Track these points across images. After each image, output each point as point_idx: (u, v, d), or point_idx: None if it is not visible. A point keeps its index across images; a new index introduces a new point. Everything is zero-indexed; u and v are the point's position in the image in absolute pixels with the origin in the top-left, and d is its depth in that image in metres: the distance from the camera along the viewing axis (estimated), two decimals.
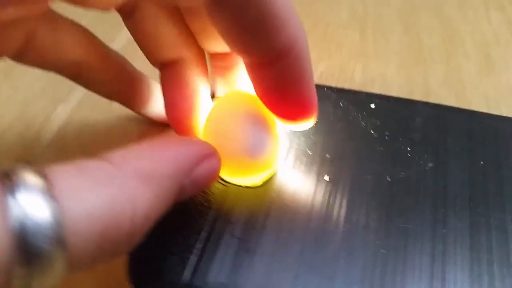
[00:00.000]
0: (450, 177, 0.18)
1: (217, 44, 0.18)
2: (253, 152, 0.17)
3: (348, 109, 0.21)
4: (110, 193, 0.12)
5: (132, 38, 0.20)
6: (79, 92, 0.28)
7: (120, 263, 0.16)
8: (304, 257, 0.16)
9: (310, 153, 0.19)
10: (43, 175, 0.11)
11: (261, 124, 0.17)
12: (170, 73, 0.19)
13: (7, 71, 0.29)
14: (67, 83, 0.21)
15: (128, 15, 0.19)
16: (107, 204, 0.12)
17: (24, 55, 0.18)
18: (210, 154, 0.15)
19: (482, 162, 0.19)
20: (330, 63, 0.29)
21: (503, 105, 0.26)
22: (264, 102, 0.17)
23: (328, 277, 0.15)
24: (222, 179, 0.18)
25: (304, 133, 0.20)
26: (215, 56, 0.19)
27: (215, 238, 0.17)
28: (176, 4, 0.18)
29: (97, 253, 0.12)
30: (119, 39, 0.32)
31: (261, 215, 0.17)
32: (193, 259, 0.16)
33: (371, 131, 0.20)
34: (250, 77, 0.16)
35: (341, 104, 0.21)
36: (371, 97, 0.22)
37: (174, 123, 0.19)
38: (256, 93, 0.17)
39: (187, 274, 0.16)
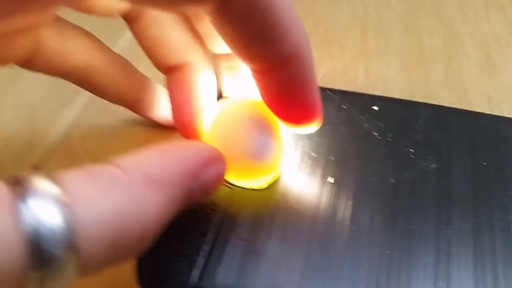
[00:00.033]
0: (454, 178, 0.19)
1: (225, 45, 0.18)
2: (258, 156, 0.17)
3: (351, 111, 0.21)
4: (120, 198, 0.12)
5: (134, 42, 0.20)
6: (85, 96, 0.28)
7: (128, 266, 0.17)
8: (310, 258, 0.16)
9: (314, 156, 0.20)
10: (54, 181, 0.11)
11: (265, 128, 0.17)
12: (176, 78, 0.20)
13: (13, 77, 0.29)
14: (73, 87, 0.22)
15: (133, 20, 0.19)
16: (118, 209, 0.12)
17: (31, 61, 0.19)
18: (216, 158, 0.16)
19: (484, 163, 0.19)
20: (332, 65, 0.30)
21: (505, 105, 0.26)
22: (269, 107, 0.17)
23: (334, 278, 0.16)
24: (228, 182, 0.19)
25: (308, 136, 0.20)
26: (222, 56, 0.19)
27: (222, 240, 0.17)
28: (181, 12, 0.18)
29: (108, 257, 0.12)
30: (121, 43, 0.32)
31: (267, 217, 0.18)
32: (200, 261, 0.16)
33: (374, 133, 0.20)
34: (255, 82, 0.17)
35: (344, 107, 0.22)
36: (374, 99, 0.22)
37: (180, 127, 0.20)
38: (262, 98, 0.17)
39: (194, 276, 0.16)
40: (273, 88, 0.16)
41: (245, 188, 0.19)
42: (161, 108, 0.24)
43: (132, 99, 0.23)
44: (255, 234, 0.17)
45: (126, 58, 0.23)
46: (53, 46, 0.19)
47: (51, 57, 0.19)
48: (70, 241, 0.11)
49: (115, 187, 0.12)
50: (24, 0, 0.13)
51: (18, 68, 0.19)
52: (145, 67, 0.23)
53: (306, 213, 0.18)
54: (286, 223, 0.17)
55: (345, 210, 0.18)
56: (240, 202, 0.18)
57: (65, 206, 0.11)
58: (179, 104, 0.19)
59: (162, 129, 0.26)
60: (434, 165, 0.19)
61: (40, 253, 0.10)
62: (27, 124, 0.27)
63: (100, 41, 0.21)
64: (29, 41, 0.18)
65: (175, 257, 0.16)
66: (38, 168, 0.25)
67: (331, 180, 0.19)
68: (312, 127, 0.17)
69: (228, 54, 0.19)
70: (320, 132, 0.19)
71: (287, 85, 0.16)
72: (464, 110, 0.22)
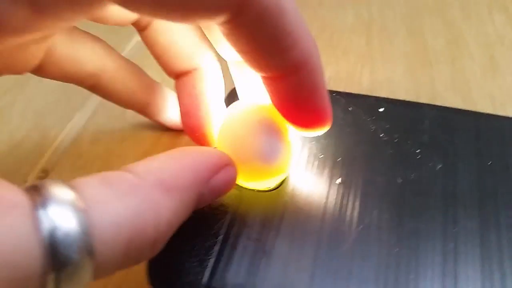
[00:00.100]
0: (459, 177, 0.19)
1: (235, 53, 0.18)
2: (267, 158, 0.17)
3: (357, 113, 0.22)
4: (135, 203, 0.13)
5: (140, 48, 0.20)
6: (94, 101, 0.29)
7: (139, 266, 0.17)
8: (319, 258, 0.16)
9: (322, 157, 0.20)
10: (70, 187, 0.12)
11: (274, 131, 0.18)
12: (185, 82, 0.20)
13: (22, 83, 0.30)
14: (82, 93, 0.22)
15: (143, 28, 0.19)
16: (133, 214, 0.12)
17: (44, 68, 0.19)
18: (227, 163, 0.16)
19: (490, 162, 0.19)
20: (337, 68, 0.30)
21: (509, 105, 0.27)
22: (280, 112, 0.17)
23: (343, 277, 0.16)
24: (237, 184, 0.19)
25: (315, 138, 0.21)
26: (233, 63, 0.19)
27: (232, 241, 0.17)
28: (194, 23, 0.18)
29: (122, 260, 0.12)
30: (128, 50, 0.32)
31: (276, 218, 0.18)
32: (211, 261, 0.17)
33: (381, 135, 0.21)
34: (266, 89, 0.17)
35: (350, 109, 0.22)
36: (380, 101, 0.22)
37: (189, 131, 0.20)
38: (272, 103, 0.17)
39: (205, 276, 0.16)
40: (283, 95, 0.16)
41: (253, 190, 0.19)
42: (170, 112, 0.25)
43: (142, 103, 0.23)
44: (264, 235, 0.17)
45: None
46: (65, 52, 0.19)
47: (63, 63, 0.19)
48: (86, 245, 0.11)
49: (129, 192, 0.13)
50: (45, 16, 0.13)
51: (27, 74, 0.19)
52: (152, 73, 0.24)
53: (314, 214, 0.18)
54: (294, 223, 0.18)
55: (353, 210, 0.18)
56: (249, 203, 0.18)
57: (81, 210, 0.11)
58: (188, 107, 0.20)
59: (170, 133, 0.26)
60: (440, 165, 0.19)
61: (57, 257, 0.11)
62: (37, 129, 0.27)
63: (110, 47, 0.21)
64: (43, 49, 0.18)
65: (185, 258, 0.17)
66: (48, 172, 0.25)
67: (338, 181, 0.19)
68: (322, 131, 0.18)
69: (239, 61, 0.19)
70: (327, 134, 0.20)
71: (297, 92, 0.16)
72: (469, 111, 0.22)
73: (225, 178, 0.16)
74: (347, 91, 0.23)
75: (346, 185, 0.19)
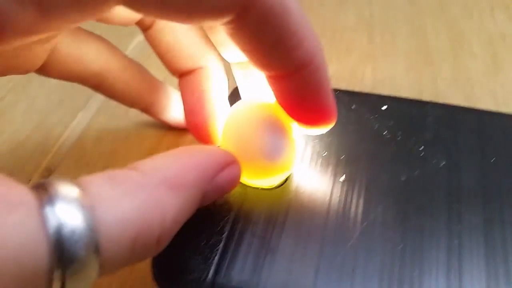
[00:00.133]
0: (463, 174, 0.19)
1: (238, 54, 0.18)
2: (271, 155, 0.17)
3: (361, 112, 0.22)
4: (140, 200, 0.13)
5: (143, 48, 0.20)
6: (97, 100, 0.29)
7: (144, 263, 0.17)
8: (323, 255, 0.16)
9: (325, 155, 0.20)
10: (77, 185, 0.12)
11: (278, 129, 0.18)
12: (189, 80, 0.20)
13: (25, 83, 0.30)
14: (85, 93, 0.22)
15: (147, 27, 0.19)
16: (138, 211, 0.12)
17: (48, 67, 0.19)
18: (231, 162, 0.16)
19: (493, 159, 0.19)
20: (340, 66, 0.30)
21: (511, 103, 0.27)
22: (285, 110, 0.17)
23: (348, 273, 0.16)
24: (241, 182, 0.19)
25: (318, 136, 0.21)
26: (236, 65, 0.19)
27: (237, 238, 0.17)
28: (199, 24, 0.18)
29: (128, 257, 0.12)
30: (130, 49, 0.32)
31: (280, 215, 0.18)
32: (215, 258, 0.17)
33: (384, 132, 0.21)
34: (271, 88, 0.17)
35: (353, 107, 0.22)
36: (383, 99, 0.22)
37: (193, 129, 0.20)
38: (277, 101, 0.17)
39: (209, 272, 0.16)
40: (288, 93, 0.16)
41: (257, 187, 0.19)
42: (174, 110, 0.25)
43: (146, 102, 0.24)
44: (269, 232, 0.17)
45: None
46: (69, 52, 0.19)
47: (67, 63, 0.19)
48: (93, 242, 0.11)
49: (135, 190, 0.13)
50: (52, 18, 0.13)
51: (30, 74, 0.19)
52: (153, 73, 0.24)
53: (318, 211, 0.18)
54: (299, 220, 0.18)
55: (357, 207, 0.18)
56: (253, 201, 0.19)
57: (87, 208, 0.11)
58: (192, 106, 0.20)
59: (174, 132, 0.26)
60: (443, 162, 0.19)
61: (63, 254, 0.11)
62: (40, 129, 0.27)
63: (114, 46, 0.21)
64: (48, 49, 0.18)
65: (190, 254, 0.17)
66: (51, 171, 0.25)
67: (342, 178, 0.19)
68: (327, 128, 0.18)
69: (242, 63, 0.19)
70: (330, 132, 0.20)
71: (302, 90, 0.16)
72: (471, 108, 0.22)
73: (229, 176, 0.16)
74: (349, 89, 0.23)
75: (350, 182, 0.19)
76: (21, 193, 0.11)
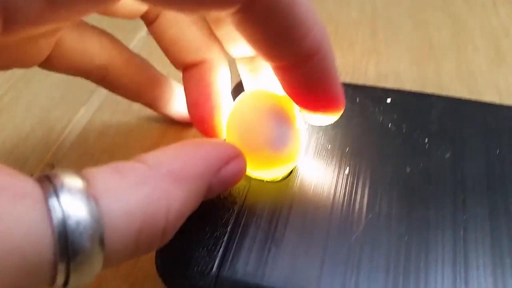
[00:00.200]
0: (468, 165, 0.19)
1: (243, 49, 0.18)
2: (277, 145, 0.17)
3: (365, 105, 0.22)
4: (146, 192, 0.13)
5: (145, 43, 0.20)
6: (100, 95, 0.29)
7: (148, 256, 0.17)
8: (328, 247, 0.16)
9: (330, 148, 0.20)
10: (82, 177, 0.12)
11: (283, 119, 0.18)
12: (193, 75, 0.20)
13: (27, 78, 0.30)
14: (88, 87, 0.22)
15: (151, 20, 0.19)
16: (144, 203, 0.12)
17: (52, 61, 0.19)
18: (236, 155, 0.16)
19: (498, 151, 0.19)
20: (343, 60, 0.30)
21: None
22: (293, 99, 0.17)
23: (353, 266, 0.16)
24: (246, 175, 0.19)
25: (323, 129, 0.21)
26: (241, 59, 0.19)
27: (241, 231, 0.17)
28: (205, 15, 0.18)
29: (132, 249, 0.12)
30: (133, 45, 0.32)
31: (285, 207, 0.18)
32: (220, 251, 0.17)
33: (389, 125, 0.21)
34: (278, 78, 0.17)
35: (357, 100, 0.22)
36: (387, 92, 0.22)
37: (197, 122, 0.20)
38: (285, 91, 0.17)
39: (214, 265, 0.16)
40: (296, 83, 0.16)
41: (261, 180, 0.19)
42: (177, 104, 0.25)
43: (149, 96, 0.23)
44: (273, 224, 0.17)
45: None
46: (73, 45, 0.19)
47: (71, 57, 0.19)
48: (97, 233, 0.11)
49: (140, 182, 0.13)
50: (59, 8, 0.13)
51: (32, 69, 0.19)
52: (157, 66, 0.24)
53: (323, 203, 0.18)
54: (304, 213, 0.18)
55: (362, 199, 0.18)
56: (257, 194, 0.19)
57: (92, 199, 0.11)
58: (196, 99, 0.20)
59: (177, 126, 0.26)
60: (448, 154, 0.19)
61: (68, 245, 0.11)
62: (42, 124, 0.27)
63: (118, 40, 0.21)
64: (52, 43, 0.18)
65: (194, 247, 0.17)
66: (54, 166, 0.25)
67: (347, 171, 0.19)
68: (336, 115, 0.18)
69: (246, 57, 0.19)
70: (335, 125, 0.20)
71: (310, 79, 0.16)
72: (475, 100, 0.22)
73: (234, 169, 0.16)
74: (353, 82, 0.23)
75: (355, 175, 0.19)
76: (26, 185, 0.11)
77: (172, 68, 0.21)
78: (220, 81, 0.20)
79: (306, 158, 0.20)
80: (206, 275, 0.16)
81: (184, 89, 0.20)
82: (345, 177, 0.19)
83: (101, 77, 0.21)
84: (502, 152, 0.19)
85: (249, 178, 0.19)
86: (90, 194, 0.11)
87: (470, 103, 0.22)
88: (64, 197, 0.11)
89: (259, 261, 0.16)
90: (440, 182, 0.18)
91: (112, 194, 0.12)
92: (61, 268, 0.11)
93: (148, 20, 0.19)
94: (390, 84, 0.28)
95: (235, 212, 0.18)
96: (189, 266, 0.16)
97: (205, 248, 0.17)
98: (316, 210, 0.18)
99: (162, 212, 0.13)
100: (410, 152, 0.19)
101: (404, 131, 0.20)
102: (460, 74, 0.28)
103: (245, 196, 0.18)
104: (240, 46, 0.18)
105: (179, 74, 0.21)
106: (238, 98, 0.19)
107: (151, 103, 0.24)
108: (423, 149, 0.20)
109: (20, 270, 0.10)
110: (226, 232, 0.17)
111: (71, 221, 0.11)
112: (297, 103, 0.17)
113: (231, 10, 0.14)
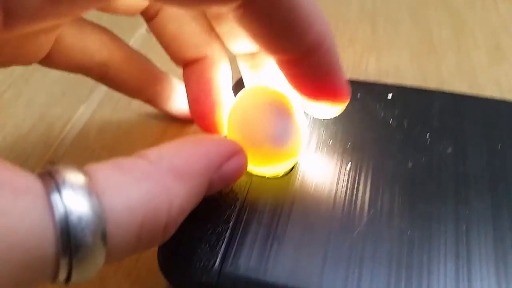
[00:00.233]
0: (470, 160, 0.19)
1: (244, 45, 0.18)
2: (278, 141, 0.17)
3: (366, 100, 0.22)
4: (148, 188, 0.13)
5: (145, 40, 0.20)
6: (100, 92, 0.28)
7: (150, 252, 0.17)
8: (330, 242, 0.16)
9: (331, 144, 0.20)
10: (84, 173, 0.12)
11: (284, 115, 0.18)
12: (193, 71, 0.20)
13: (27, 76, 0.30)
14: (88, 85, 0.22)
15: (151, 16, 0.19)
16: (146, 198, 0.12)
17: (52, 58, 0.19)
18: (237, 152, 0.16)
19: (499, 146, 0.19)
20: (344, 57, 0.30)
21: None
22: (298, 92, 0.17)
23: (355, 261, 0.16)
24: (247, 171, 0.19)
25: (324, 125, 0.21)
26: (242, 56, 0.19)
27: (243, 226, 0.17)
28: (207, 10, 0.18)
29: (134, 244, 0.12)
30: (132, 42, 0.32)
31: (286, 203, 0.18)
32: (222, 246, 0.17)
33: (390, 121, 0.21)
34: (282, 72, 0.17)
35: (358, 96, 0.22)
36: (388, 87, 0.22)
37: (198, 118, 0.20)
38: (290, 84, 0.17)
39: (216, 261, 0.16)
40: (300, 76, 0.16)
41: (263, 176, 0.19)
42: (177, 101, 0.25)
43: (150, 93, 0.23)
44: (275, 220, 0.17)
45: None
46: (73, 42, 0.19)
47: (71, 53, 0.19)
48: (99, 229, 0.11)
49: (142, 177, 0.13)
50: (58, 4, 0.13)
51: (32, 69, 0.19)
52: (156, 64, 0.24)
53: (325, 199, 0.18)
54: (306, 208, 0.18)
55: (364, 194, 0.18)
56: (259, 190, 0.19)
57: (93, 195, 0.11)
58: (196, 95, 0.20)
59: (177, 123, 0.26)
60: (450, 149, 0.19)
61: (70, 241, 0.11)
62: (43, 121, 0.27)
63: (118, 37, 0.21)
64: (52, 39, 0.18)
65: (197, 243, 0.17)
66: (54, 163, 0.25)
67: (349, 166, 0.19)
68: (342, 105, 0.18)
69: (247, 54, 0.19)
70: (336, 120, 0.20)
71: (314, 72, 0.16)
72: (476, 96, 0.22)
73: (235, 166, 0.16)
74: (353, 78, 0.23)
75: (357, 170, 0.19)
76: (28, 180, 0.11)
77: (172, 65, 0.21)
78: (220, 78, 0.20)
79: (308, 154, 0.20)
80: (208, 270, 0.16)
81: (185, 86, 0.20)
82: (346, 172, 0.19)
83: (101, 74, 0.21)
84: (504, 146, 0.19)
85: (251, 174, 0.19)
86: (92, 190, 0.11)
87: (471, 98, 0.22)
88: (66, 193, 0.11)
89: (262, 257, 0.16)
90: (442, 177, 0.18)
91: (114, 189, 0.12)
92: (64, 263, 0.11)
93: (148, 16, 0.19)
94: (391, 80, 0.28)
95: (237, 208, 0.18)
96: (192, 262, 0.16)
97: (207, 244, 0.17)
98: (318, 206, 0.18)
99: (164, 208, 0.13)
100: (412, 148, 0.19)
101: (405, 126, 0.20)
102: (461, 70, 0.28)
103: (247, 192, 0.18)
104: (240, 42, 0.18)
105: (179, 71, 0.21)
106: (239, 94, 0.19)
107: (151, 100, 0.24)
108: (425, 145, 0.20)
109: (23, 265, 0.10)
110: (228, 228, 0.17)
111: (73, 217, 0.11)
112: (302, 95, 0.17)
113: (233, 5, 0.14)
